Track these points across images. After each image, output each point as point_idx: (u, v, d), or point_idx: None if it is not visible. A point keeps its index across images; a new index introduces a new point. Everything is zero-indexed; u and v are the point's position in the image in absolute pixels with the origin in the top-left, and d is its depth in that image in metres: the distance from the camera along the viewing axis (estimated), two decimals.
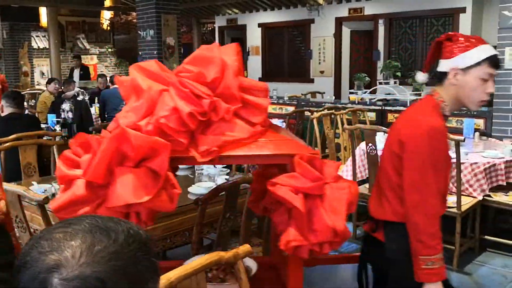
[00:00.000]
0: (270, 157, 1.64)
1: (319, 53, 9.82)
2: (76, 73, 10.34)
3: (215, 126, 1.61)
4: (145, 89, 1.60)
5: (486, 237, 3.62)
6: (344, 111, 5.00)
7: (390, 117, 5.52)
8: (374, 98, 5.99)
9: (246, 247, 1.51)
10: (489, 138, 4.50)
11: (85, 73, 10.58)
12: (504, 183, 3.55)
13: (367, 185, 3.86)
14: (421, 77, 1.91)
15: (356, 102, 5.99)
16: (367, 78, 6.60)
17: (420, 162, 1.67)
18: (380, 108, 5.65)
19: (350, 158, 4.07)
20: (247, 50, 10.74)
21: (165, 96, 1.59)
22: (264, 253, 2.47)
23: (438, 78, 1.80)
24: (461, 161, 3.33)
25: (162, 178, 1.49)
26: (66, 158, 1.53)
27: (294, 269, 1.71)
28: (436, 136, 1.69)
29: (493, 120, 4.71)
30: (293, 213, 1.59)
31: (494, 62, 1.75)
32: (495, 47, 6.47)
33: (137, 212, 1.51)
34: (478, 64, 1.72)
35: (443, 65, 1.79)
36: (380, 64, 8.36)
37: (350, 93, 6.51)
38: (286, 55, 10.53)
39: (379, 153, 2.82)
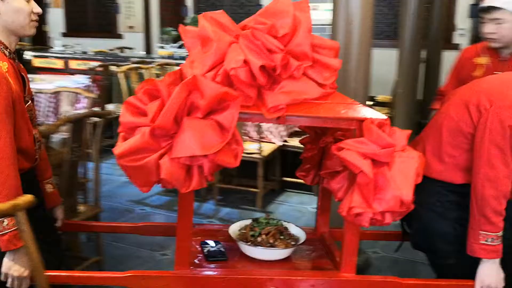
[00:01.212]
0: (339, 120, 1.58)
1: (127, 7, 9.14)
2: None
3: (284, 84, 1.54)
4: (214, 39, 1.53)
5: (285, 178, 4.07)
6: (152, 65, 4.92)
7: None
8: (185, 53, 6.01)
9: (27, 197, 1.48)
10: None
11: None
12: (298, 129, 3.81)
13: None
14: None
15: (166, 56, 6.03)
16: (174, 32, 6.54)
17: (502, 139, 1.60)
18: None
19: None
20: (46, 1, 9.64)
21: (235, 47, 1.52)
22: None
23: None
24: None
25: (229, 132, 1.43)
26: (130, 104, 1.47)
27: (350, 238, 1.65)
28: None
29: None
30: (358, 179, 1.53)
31: None
32: None
33: (199, 165, 1.46)
34: None
35: None
36: (188, 19, 7.99)
37: (159, 47, 6.49)
38: (91, 8, 9.57)
39: None
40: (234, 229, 1.87)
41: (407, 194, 1.49)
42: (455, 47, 6.72)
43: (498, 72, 2.05)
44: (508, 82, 1.68)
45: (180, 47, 6.29)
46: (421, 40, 4.63)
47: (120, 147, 1.41)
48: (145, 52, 7.42)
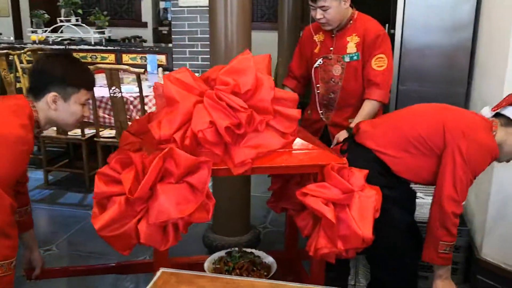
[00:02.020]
0: (301, 167, 1.69)
1: None
2: None
3: (249, 136, 1.64)
4: (179, 100, 1.60)
5: None
6: (22, 51, 4.61)
7: (76, 56, 5.47)
8: (60, 38, 5.86)
9: None
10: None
11: None
12: None
13: (54, 127, 3.63)
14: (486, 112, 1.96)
15: (37, 42, 5.77)
16: (47, 16, 6.21)
17: (473, 168, 1.80)
18: (64, 47, 5.65)
19: None
20: None
21: (200, 108, 1.59)
22: None
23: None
24: (145, 94, 3.67)
25: (203, 193, 1.52)
26: (103, 174, 1.53)
27: (317, 268, 1.80)
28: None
29: (173, 56, 5.28)
30: (322, 221, 1.66)
31: None
32: None
33: (174, 223, 1.55)
34: None
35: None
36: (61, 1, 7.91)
37: (32, 32, 6.06)
38: None
39: None
40: (209, 263, 1.98)
41: (368, 233, 1.64)
42: None
43: (331, 48, 2.41)
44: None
45: (53, 30, 5.86)
46: (299, 21, 4.95)
47: (100, 220, 1.48)
48: (14, 38, 7.00)
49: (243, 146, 1.63)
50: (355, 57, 2.37)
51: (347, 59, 2.38)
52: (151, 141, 1.70)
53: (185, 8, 5.13)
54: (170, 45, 5.48)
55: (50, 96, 1.70)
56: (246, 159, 1.61)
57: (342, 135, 2.31)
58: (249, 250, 2.05)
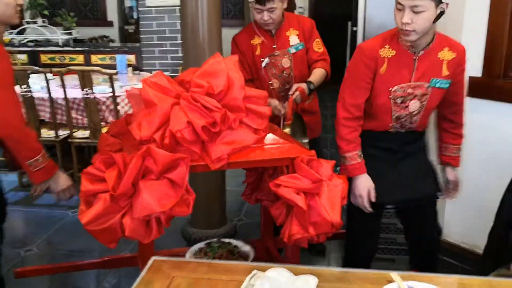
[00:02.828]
0: (273, 161, 1.82)
1: None
2: None
3: (224, 134, 1.76)
4: (157, 103, 1.70)
5: None
6: None
7: (44, 58, 5.67)
8: (25, 39, 5.87)
9: None
10: (141, 72, 5.07)
11: None
12: None
13: None
14: None
15: (3, 44, 5.90)
16: None
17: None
18: (32, 49, 5.70)
19: None
20: None
21: (177, 110, 1.70)
22: None
23: None
24: (117, 94, 3.72)
25: (182, 188, 1.64)
26: (88, 173, 1.63)
27: (292, 254, 1.95)
28: None
29: (142, 55, 5.40)
30: (294, 209, 1.80)
31: None
32: None
33: (157, 217, 1.66)
34: None
35: None
36: (25, 2, 8.22)
37: None
38: None
39: (35, 95, 3.37)
40: (190, 254, 2.10)
41: (336, 218, 1.78)
42: None
43: (274, 46, 2.62)
44: None
45: (19, 32, 5.87)
46: None
47: (86, 215, 1.58)
48: None
49: (219, 143, 1.75)
50: (300, 47, 2.66)
51: (292, 50, 2.65)
52: (130, 141, 1.81)
53: (153, 8, 5.19)
54: (138, 44, 5.53)
55: None
56: (222, 155, 1.73)
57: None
58: (227, 240, 2.18)
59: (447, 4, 1.85)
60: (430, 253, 2.24)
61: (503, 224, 1.95)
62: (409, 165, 2.08)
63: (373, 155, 2.06)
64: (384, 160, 2.07)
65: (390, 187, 2.05)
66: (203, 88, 1.71)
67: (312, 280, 1.26)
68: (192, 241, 2.84)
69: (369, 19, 3.37)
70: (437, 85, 1.98)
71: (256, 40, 2.66)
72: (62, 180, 2.01)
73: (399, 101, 1.98)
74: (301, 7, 7.70)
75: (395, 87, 1.96)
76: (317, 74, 2.65)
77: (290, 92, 2.49)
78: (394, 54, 1.96)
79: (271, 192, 2.02)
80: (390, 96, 1.97)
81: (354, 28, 3.55)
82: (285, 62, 2.66)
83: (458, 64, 2.00)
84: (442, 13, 1.87)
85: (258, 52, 2.65)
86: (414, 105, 1.99)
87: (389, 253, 2.95)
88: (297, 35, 2.66)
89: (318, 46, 2.72)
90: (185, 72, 1.89)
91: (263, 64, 2.64)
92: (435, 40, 1.95)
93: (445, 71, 1.97)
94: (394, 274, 1.26)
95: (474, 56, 2.54)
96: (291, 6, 8.11)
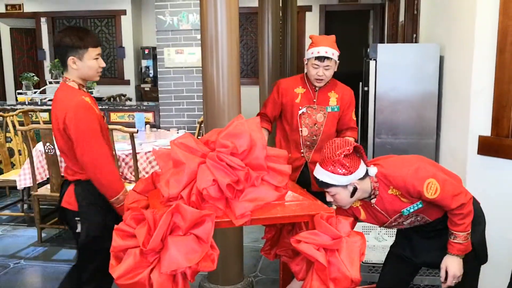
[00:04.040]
0: (294, 217, 1.90)
1: None
2: None
3: (247, 191, 1.85)
4: (185, 162, 1.81)
5: None
6: (14, 113, 4.85)
7: None
8: (45, 98, 6.12)
9: None
10: (158, 130, 5.35)
11: None
12: None
13: (48, 186, 4.03)
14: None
15: (26, 103, 5.97)
16: (36, 78, 6.57)
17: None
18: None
19: (27, 161, 4.10)
20: None
21: (204, 168, 1.81)
22: None
23: None
24: (137, 151, 3.94)
25: (207, 244, 1.71)
26: (120, 230, 1.72)
27: None
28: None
29: (160, 113, 5.63)
30: (315, 265, 1.86)
31: None
32: (154, 48, 7.53)
33: (183, 272, 1.72)
34: None
35: None
36: (47, 63, 8.39)
37: (19, 93, 6.33)
38: None
39: (58, 152, 3.31)
40: None
41: (356, 275, 1.83)
42: None
43: (315, 100, 3.04)
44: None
45: (41, 92, 6.22)
46: (279, 76, 5.40)
47: (117, 270, 1.65)
48: None
49: (242, 200, 1.84)
50: (335, 109, 3.06)
51: (329, 109, 3.04)
52: (157, 199, 1.91)
53: (171, 69, 5.44)
54: (155, 103, 5.75)
55: (69, 60, 2.37)
56: (246, 211, 1.81)
57: None
58: None
59: (357, 183, 2.10)
60: None
61: None
62: None
63: None
64: None
65: None
66: (228, 148, 1.82)
67: None
68: None
69: (380, 79, 3.53)
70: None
71: (300, 90, 3.05)
72: None
73: None
74: None
75: None
76: None
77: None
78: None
79: (291, 247, 2.08)
80: None
81: (366, 88, 3.71)
82: (320, 117, 3.02)
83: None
84: (355, 189, 2.11)
85: (298, 100, 3.03)
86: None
87: None
88: (336, 98, 3.04)
89: (354, 115, 3.12)
90: (209, 133, 2.00)
91: (300, 112, 2.99)
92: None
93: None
94: None
95: (483, 116, 2.66)
96: (302, 65, 8.52)
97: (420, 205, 2.16)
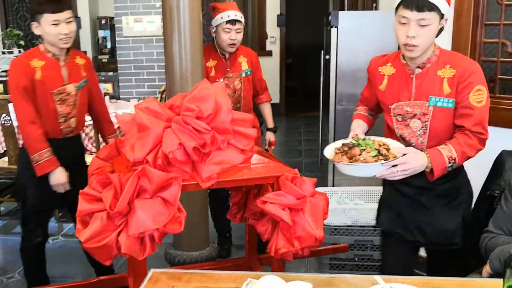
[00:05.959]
0: (259, 179, 1.94)
1: None
2: None
3: (214, 155, 1.87)
4: (150, 126, 1.80)
5: None
6: None
7: None
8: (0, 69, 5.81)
9: None
10: (118, 100, 5.28)
11: None
12: None
13: (6, 159, 3.90)
14: None
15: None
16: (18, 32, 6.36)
17: None
18: (7, 79, 5.81)
19: None
20: None
21: (169, 132, 1.81)
22: None
23: None
24: None
25: (174, 206, 1.73)
26: (86, 194, 1.71)
27: (279, 268, 2.04)
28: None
29: (120, 84, 5.63)
30: (280, 225, 1.91)
31: None
32: (111, 18, 6.95)
33: (150, 235, 1.74)
34: None
35: None
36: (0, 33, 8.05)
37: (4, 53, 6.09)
38: None
39: (14, 123, 3.38)
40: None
41: (319, 233, 1.90)
42: (269, 53, 8.06)
43: (228, 69, 3.07)
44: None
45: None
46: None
47: (84, 234, 1.65)
48: None
49: (209, 163, 1.86)
50: (249, 72, 3.14)
51: (243, 74, 3.12)
52: (122, 164, 1.90)
53: (130, 38, 5.32)
54: (115, 73, 5.63)
55: (32, 25, 2.45)
56: (212, 174, 1.83)
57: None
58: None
59: (446, 20, 1.89)
60: None
61: None
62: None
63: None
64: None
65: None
66: (193, 112, 1.82)
67: (306, 286, 1.36)
68: (175, 263, 2.89)
69: (341, 48, 3.57)
70: (438, 104, 1.93)
71: (211, 63, 3.04)
72: (59, 176, 2.49)
73: (399, 118, 2.03)
74: (272, 37, 8.00)
75: (394, 105, 2.03)
76: (269, 112, 3.35)
77: (267, 147, 3.13)
78: (394, 72, 2.04)
79: (257, 210, 2.13)
80: (390, 114, 2.06)
81: (327, 56, 3.75)
82: (237, 84, 3.08)
83: (459, 81, 1.90)
84: (441, 29, 1.91)
85: (213, 73, 3.02)
86: (415, 124, 2.00)
87: (366, 270, 3.07)
88: (246, 61, 3.12)
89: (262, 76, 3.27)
90: (174, 97, 2.00)
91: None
92: (436, 57, 1.95)
93: (446, 89, 1.93)
94: (378, 277, 1.38)
95: None
96: (263, 36, 8.49)
97: (450, 105, 1.93)
